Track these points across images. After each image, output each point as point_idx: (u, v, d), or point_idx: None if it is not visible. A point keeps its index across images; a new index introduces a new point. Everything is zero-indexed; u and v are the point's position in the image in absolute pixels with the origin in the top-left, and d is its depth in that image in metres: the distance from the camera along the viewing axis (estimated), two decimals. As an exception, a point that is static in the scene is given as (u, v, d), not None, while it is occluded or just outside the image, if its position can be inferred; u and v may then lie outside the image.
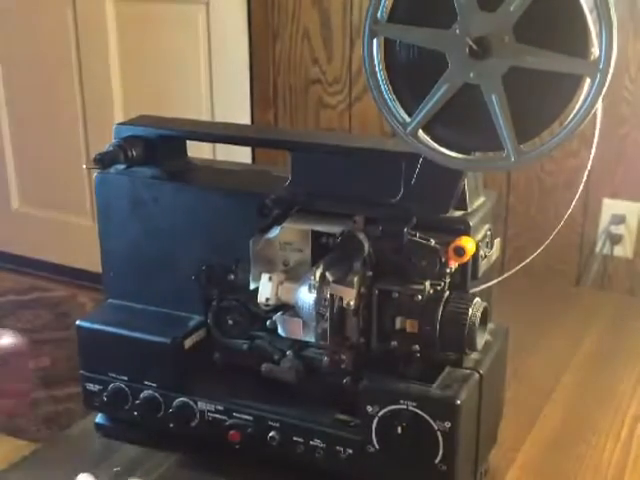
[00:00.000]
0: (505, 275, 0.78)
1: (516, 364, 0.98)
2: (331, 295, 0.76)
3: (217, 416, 0.84)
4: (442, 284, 0.75)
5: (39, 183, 2.67)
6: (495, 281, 0.79)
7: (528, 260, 0.76)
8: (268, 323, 0.82)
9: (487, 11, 0.66)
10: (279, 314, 0.80)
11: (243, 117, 2.27)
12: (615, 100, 1.84)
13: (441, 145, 0.72)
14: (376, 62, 0.72)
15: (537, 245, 0.76)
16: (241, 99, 2.28)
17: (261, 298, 0.79)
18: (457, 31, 0.67)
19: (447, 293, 0.75)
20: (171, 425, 0.86)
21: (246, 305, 0.83)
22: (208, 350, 0.86)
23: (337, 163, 0.80)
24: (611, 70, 0.65)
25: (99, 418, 0.92)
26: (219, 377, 0.86)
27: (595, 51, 0.65)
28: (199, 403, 0.85)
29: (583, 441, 0.92)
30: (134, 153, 0.86)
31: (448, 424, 0.73)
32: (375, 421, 0.76)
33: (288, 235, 0.80)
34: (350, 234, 0.76)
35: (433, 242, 0.74)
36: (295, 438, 0.81)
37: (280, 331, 0.81)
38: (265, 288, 0.79)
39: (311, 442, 0.80)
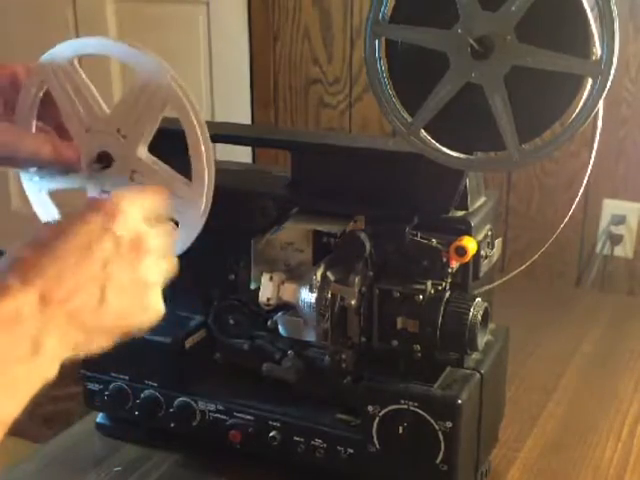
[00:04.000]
0: (508, 276, 0.78)
1: (517, 364, 0.98)
2: (332, 295, 0.76)
3: (218, 416, 0.84)
4: (443, 284, 0.75)
5: (39, 183, 2.66)
6: (497, 283, 0.79)
7: (530, 262, 0.76)
8: (269, 323, 0.82)
9: (489, 11, 0.66)
10: (280, 314, 0.80)
11: (243, 117, 2.27)
12: (615, 100, 1.84)
13: (443, 145, 0.72)
14: (378, 62, 0.71)
15: (537, 245, 0.76)
16: (241, 99, 2.28)
17: (262, 298, 0.79)
18: (459, 31, 0.67)
19: (448, 293, 0.75)
20: (172, 425, 0.86)
21: (247, 305, 0.83)
22: (209, 350, 0.86)
23: (338, 163, 0.80)
24: (613, 71, 0.64)
25: (100, 418, 0.92)
26: (220, 377, 0.86)
27: (597, 51, 0.65)
28: (200, 403, 0.84)
29: (584, 441, 0.92)
30: (135, 153, 0.85)
31: (449, 424, 0.73)
32: (376, 421, 0.76)
33: (289, 235, 0.80)
34: (351, 234, 0.76)
35: (434, 242, 0.74)
36: (296, 438, 0.81)
37: (281, 331, 0.81)
38: (266, 288, 0.79)
39: (312, 442, 0.80)
